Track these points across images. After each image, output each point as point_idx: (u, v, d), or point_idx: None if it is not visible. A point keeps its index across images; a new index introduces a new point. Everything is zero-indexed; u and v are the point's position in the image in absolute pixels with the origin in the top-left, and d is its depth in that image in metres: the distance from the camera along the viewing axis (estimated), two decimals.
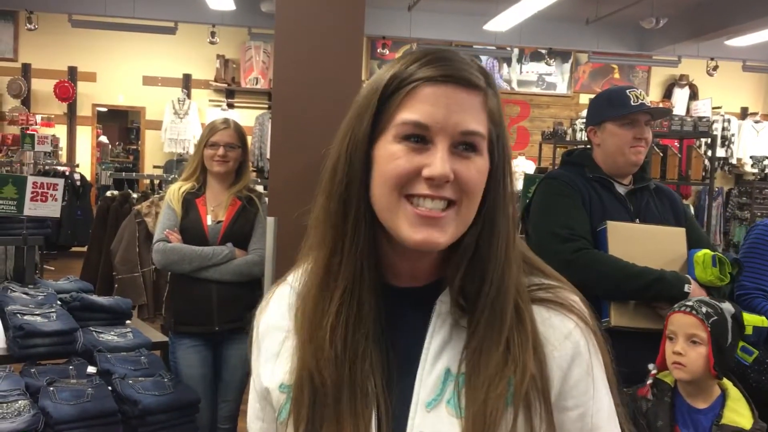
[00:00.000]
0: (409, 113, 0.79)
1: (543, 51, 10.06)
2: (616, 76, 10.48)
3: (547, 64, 10.13)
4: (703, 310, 1.94)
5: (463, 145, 0.80)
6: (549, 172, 2.77)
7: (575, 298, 0.87)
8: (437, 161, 0.78)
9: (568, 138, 7.81)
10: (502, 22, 8.50)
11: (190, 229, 2.83)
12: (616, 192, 2.28)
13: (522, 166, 9.21)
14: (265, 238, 2.67)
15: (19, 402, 2.34)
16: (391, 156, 0.79)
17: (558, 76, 10.61)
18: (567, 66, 10.58)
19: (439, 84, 0.79)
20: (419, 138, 0.79)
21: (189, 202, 2.87)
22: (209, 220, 2.85)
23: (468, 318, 0.83)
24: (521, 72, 10.62)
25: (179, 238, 2.81)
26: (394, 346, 0.84)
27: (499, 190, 0.83)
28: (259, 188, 3.46)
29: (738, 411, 1.91)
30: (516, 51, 10.42)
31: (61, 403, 2.37)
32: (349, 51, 2.69)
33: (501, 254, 0.82)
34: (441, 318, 0.84)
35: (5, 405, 2.32)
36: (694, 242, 2.22)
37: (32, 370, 2.63)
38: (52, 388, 2.42)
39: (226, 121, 3.00)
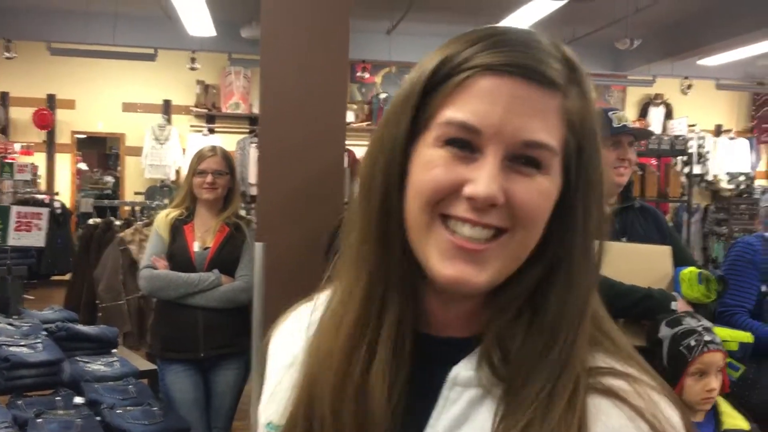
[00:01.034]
0: (456, 111, 0.61)
1: None
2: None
3: None
4: (717, 340, 1.99)
5: (524, 159, 0.61)
6: None
7: (665, 408, 0.61)
8: (483, 177, 0.59)
9: None
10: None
11: (177, 255, 2.83)
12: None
13: None
14: (252, 265, 2.68)
15: None
16: (427, 164, 0.62)
17: None
18: None
19: (502, 75, 0.60)
20: (466, 144, 0.61)
21: (177, 228, 2.88)
22: (196, 247, 2.86)
23: (504, 389, 0.62)
24: None
25: (166, 264, 2.81)
26: (408, 410, 0.65)
27: (574, 222, 0.63)
28: (242, 212, 3.47)
29: (733, 416, 1.97)
30: None
31: None
32: (334, 75, 2.72)
33: (572, 310, 0.62)
34: (456, 389, 0.64)
35: None
36: (679, 260, 2.26)
37: (19, 402, 2.59)
38: (40, 420, 2.39)
39: (213, 148, 3.02)
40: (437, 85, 0.63)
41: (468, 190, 0.60)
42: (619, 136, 2.27)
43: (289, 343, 0.75)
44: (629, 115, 10.51)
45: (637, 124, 8.89)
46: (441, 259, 0.62)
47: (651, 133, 4.01)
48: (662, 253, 2.25)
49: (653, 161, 7.35)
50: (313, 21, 2.68)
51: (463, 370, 0.64)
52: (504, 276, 0.62)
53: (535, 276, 0.63)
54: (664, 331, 2.00)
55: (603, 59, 9.67)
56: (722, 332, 2.09)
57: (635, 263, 2.18)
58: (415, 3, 7.29)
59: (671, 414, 0.60)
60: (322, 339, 0.68)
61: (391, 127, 0.65)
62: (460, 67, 0.62)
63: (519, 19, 7.22)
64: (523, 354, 0.62)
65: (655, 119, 10.57)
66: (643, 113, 10.71)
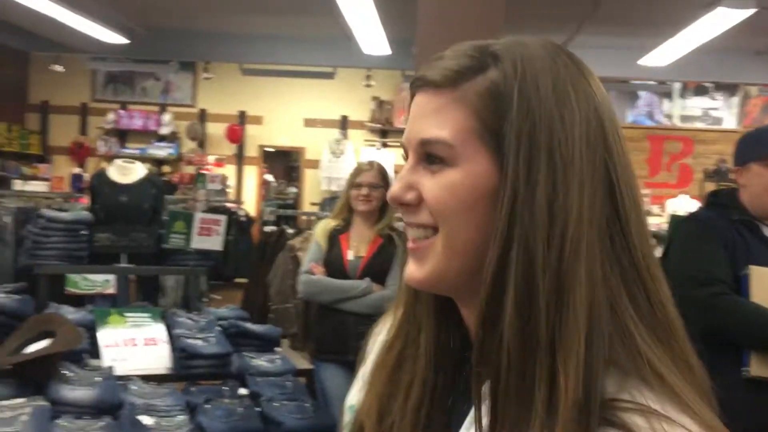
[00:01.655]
0: None
1: (707, 85, 9.57)
2: None
3: (712, 98, 9.62)
4: None
5: (427, 157, 0.65)
6: (691, 213, 2.68)
7: None
8: (395, 181, 0.66)
9: (732, 176, 7.36)
10: (659, 57, 8.22)
11: (333, 263, 3.02)
12: (762, 235, 2.17)
13: (683, 206, 8.75)
14: (402, 276, 2.79)
15: (179, 417, 2.59)
16: None
17: (725, 111, 10.03)
18: (735, 100, 9.99)
19: (413, 93, 0.69)
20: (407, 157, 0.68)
21: (334, 237, 3.07)
22: (350, 255, 3.03)
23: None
24: (684, 107, 10.16)
25: (323, 270, 3.01)
26: (450, 411, 0.68)
27: (521, 210, 0.58)
28: (401, 227, 3.61)
29: None
30: (678, 86, 9.99)
31: (214, 420, 2.59)
32: None
33: (527, 314, 0.57)
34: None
35: (167, 419, 2.57)
36: None
37: (192, 389, 2.89)
38: (208, 406, 2.65)
39: (370, 163, 3.19)
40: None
41: None
42: None
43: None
44: None
45: None
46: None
47: None
48: None
49: None
50: (466, 38, 2.76)
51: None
52: (448, 271, 0.63)
53: (491, 264, 0.59)
54: None
55: None
56: None
57: None
58: (592, 15, 7.10)
59: None
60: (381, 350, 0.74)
61: None
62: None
63: (700, 30, 6.80)
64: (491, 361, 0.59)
65: None
66: None
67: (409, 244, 0.66)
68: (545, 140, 0.59)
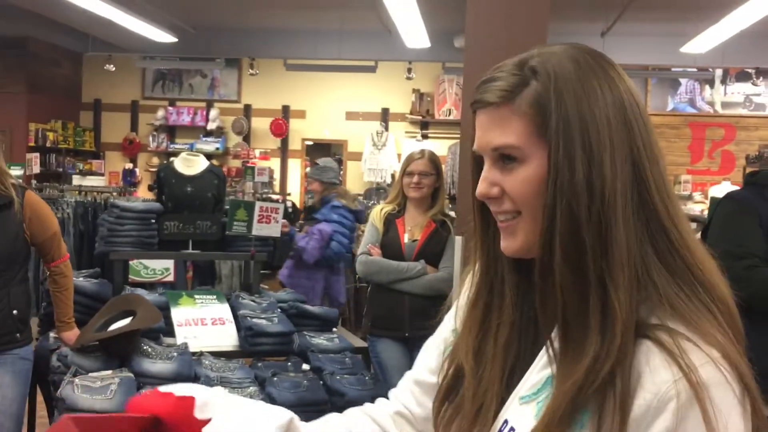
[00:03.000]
0: None
1: (750, 70, 9.50)
2: None
3: (754, 84, 9.55)
4: None
5: (501, 158, 0.83)
6: (728, 192, 2.79)
7: (693, 355, 0.72)
8: (479, 183, 0.85)
9: None
10: (701, 43, 8.20)
11: (389, 245, 3.20)
12: None
13: (725, 192, 8.73)
14: (454, 259, 2.97)
15: (250, 388, 2.81)
16: None
17: (767, 97, 9.95)
18: None
19: (475, 111, 0.86)
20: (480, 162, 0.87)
21: (390, 222, 3.26)
22: (406, 239, 3.21)
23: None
24: (725, 93, 10.09)
25: (379, 252, 3.20)
26: (536, 339, 0.85)
27: (563, 185, 0.77)
28: (452, 213, 3.77)
29: None
30: (719, 72, 9.93)
31: (283, 391, 2.80)
32: None
33: (576, 263, 0.76)
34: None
35: (239, 390, 2.79)
36: None
37: (259, 364, 3.10)
38: (275, 379, 2.87)
39: (422, 152, 3.36)
40: None
41: None
42: None
43: None
44: None
45: None
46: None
47: None
48: None
49: None
50: (512, 29, 2.90)
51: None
52: (531, 243, 0.81)
53: (546, 240, 0.78)
54: None
55: None
56: None
57: None
58: (633, 2, 7.13)
59: (696, 359, 0.71)
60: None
61: None
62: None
63: (742, 16, 6.79)
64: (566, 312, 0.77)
65: None
66: None
67: (500, 224, 0.84)
68: (578, 129, 0.77)
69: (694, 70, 9.49)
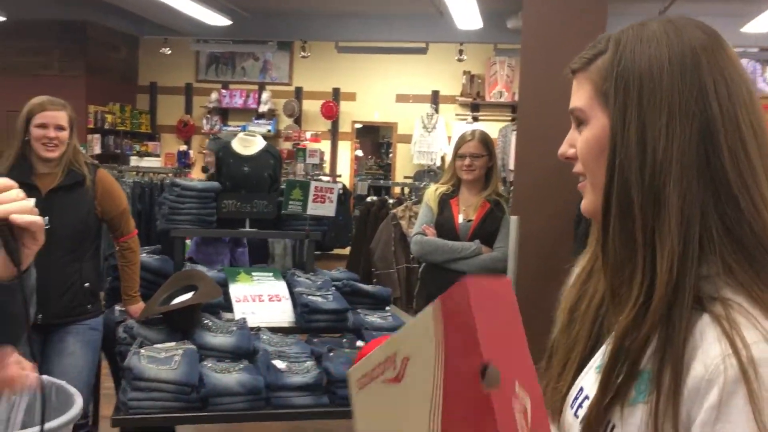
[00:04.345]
0: None
1: None
2: None
3: None
4: None
5: (577, 121, 0.88)
6: None
7: (745, 331, 0.70)
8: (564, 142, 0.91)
9: None
10: (763, 23, 7.95)
11: (444, 225, 3.22)
12: None
13: None
14: (508, 239, 2.98)
15: (307, 362, 2.88)
16: None
17: None
18: None
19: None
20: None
21: (444, 202, 3.27)
22: (461, 219, 3.23)
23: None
24: None
25: (434, 232, 3.22)
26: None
27: (619, 147, 0.80)
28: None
29: None
30: None
31: (339, 366, 2.86)
32: None
33: (627, 222, 0.78)
34: None
35: (297, 364, 2.86)
36: None
37: (315, 340, 3.17)
38: (331, 354, 2.93)
39: (472, 133, 3.36)
40: None
41: None
42: None
43: None
44: None
45: None
46: None
47: None
48: None
49: None
50: (571, 9, 2.88)
51: None
52: (599, 201, 0.83)
53: (605, 202, 0.81)
54: None
55: None
56: None
57: None
58: None
59: (751, 335, 0.70)
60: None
61: None
62: None
63: None
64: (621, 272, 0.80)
65: None
66: None
67: (579, 186, 0.89)
68: (635, 95, 0.79)
69: (756, 50, 9.20)
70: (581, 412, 0.83)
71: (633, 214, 0.78)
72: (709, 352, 0.71)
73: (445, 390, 0.63)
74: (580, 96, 0.86)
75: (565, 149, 0.90)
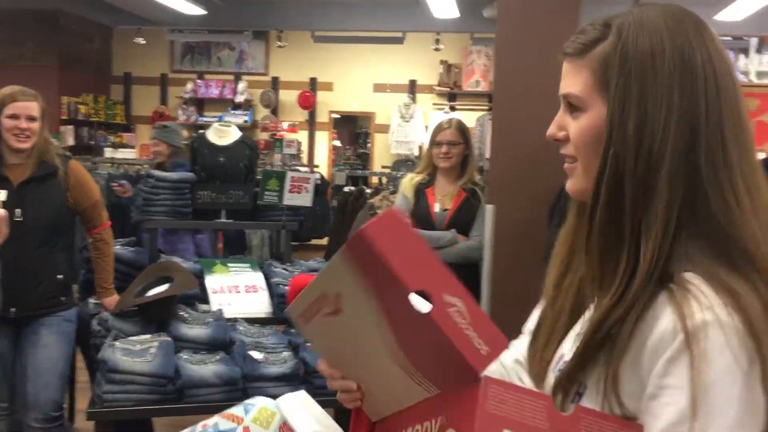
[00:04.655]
0: None
1: None
2: None
3: None
4: None
5: (570, 107, 0.88)
6: (762, 159, 2.77)
7: (693, 307, 0.74)
8: (551, 125, 0.92)
9: None
10: (736, 11, 8.03)
11: (420, 214, 3.22)
12: None
13: None
14: (484, 227, 2.99)
15: (284, 353, 2.87)
16: None
17: None
18: None
19: (562, 61, 0.92)
20: None
21: (420, 191, 3.28)
22: (437, 208, 3.23)
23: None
24: (761, 63, 9.88)
25: (410, 221, 3.22)
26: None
27: (616, 137, 0.81)
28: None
29: None
30: (755, 41, 9.72)
31: (316, 356, 2.85)
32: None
33: (615, 211, 0.81)
34: None
35: (274, 354, 2.86)
36: None
37: (291, 331, 3.17)
38: (308, 344, 2.93)
39: (449, 121, 3.37)
40: None
41: None
42: None
43: None
44: None
45: None
46: None
47: None
48: None
49: None
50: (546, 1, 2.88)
51: None
52: (587, 187, 0.86)
53: (600, 186, 0.83)
54: None
55: None
56: None
57: None
58: None
59: (698, 305, 0.74)
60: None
61: None
62: None
63: None
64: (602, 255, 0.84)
65: None
66: None
67: (565, 167, 0.91)
68: (637, 91, 0.81)
69: (729, 38, 9.30)
70: None
71: (622, 204, 0.80)
72: (660, 325, 0.75)
73: (387, 315, 0.71)
74: (576, 82, 0.87)
75: (554, 131, 0.90)
